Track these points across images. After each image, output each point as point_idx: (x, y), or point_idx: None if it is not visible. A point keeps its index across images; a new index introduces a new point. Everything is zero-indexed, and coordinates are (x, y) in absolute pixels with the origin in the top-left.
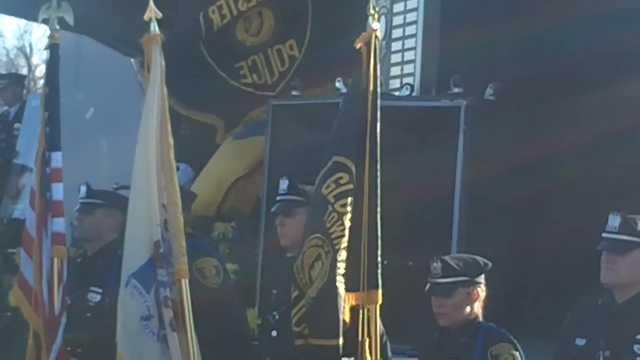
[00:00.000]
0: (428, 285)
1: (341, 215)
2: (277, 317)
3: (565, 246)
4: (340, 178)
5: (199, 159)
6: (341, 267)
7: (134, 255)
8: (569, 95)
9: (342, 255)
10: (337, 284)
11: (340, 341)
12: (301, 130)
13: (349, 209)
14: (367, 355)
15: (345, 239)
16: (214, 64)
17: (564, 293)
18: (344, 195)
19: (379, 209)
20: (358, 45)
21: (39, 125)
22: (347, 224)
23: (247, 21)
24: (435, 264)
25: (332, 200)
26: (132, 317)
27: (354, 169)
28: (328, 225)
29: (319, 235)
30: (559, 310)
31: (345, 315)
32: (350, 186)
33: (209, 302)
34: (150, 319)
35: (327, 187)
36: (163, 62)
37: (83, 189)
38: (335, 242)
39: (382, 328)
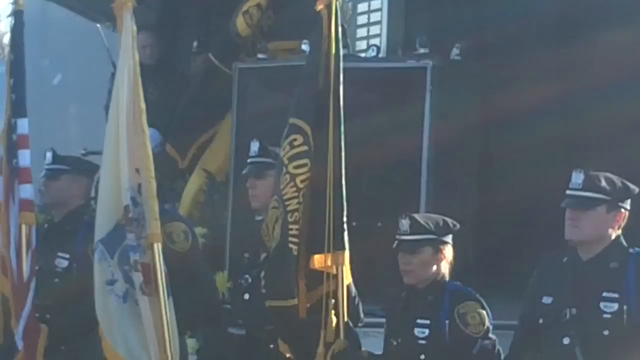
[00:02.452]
0: (396, 242)
1: (294, 177)
2: (249, 280)
3: (533, 204)
4: (295, 140)
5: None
6: (293, 229)
7: (103, 221)
8: (536, 53)
9: (294, 216)
10: (290, 245)
11: (295, 301)
12: (268, 93)
13: (302, 170)
14: (333, 316)
15: (297, 200)
16: None
17: (532, 251)
18: (297, 157)
19: (343, 171)
20: (319, 8)
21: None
22: (300, 185)
23: None
24: (403, 221)
25: (286, 162)
26: (99, 281)
27: (309, 131)
28: (282, 186)
29: (276, 197)
30: (526, 268)
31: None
32: (305, 148)
33: (178, 266)
34: (114, 284)
35: (284, 149)
36: (135, 28)
37: (49, 155)
38: (287, 203)
39: (354, 290)
